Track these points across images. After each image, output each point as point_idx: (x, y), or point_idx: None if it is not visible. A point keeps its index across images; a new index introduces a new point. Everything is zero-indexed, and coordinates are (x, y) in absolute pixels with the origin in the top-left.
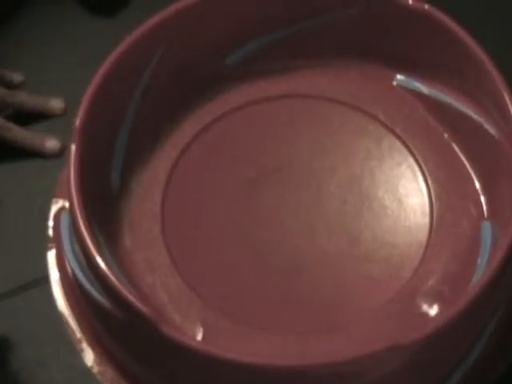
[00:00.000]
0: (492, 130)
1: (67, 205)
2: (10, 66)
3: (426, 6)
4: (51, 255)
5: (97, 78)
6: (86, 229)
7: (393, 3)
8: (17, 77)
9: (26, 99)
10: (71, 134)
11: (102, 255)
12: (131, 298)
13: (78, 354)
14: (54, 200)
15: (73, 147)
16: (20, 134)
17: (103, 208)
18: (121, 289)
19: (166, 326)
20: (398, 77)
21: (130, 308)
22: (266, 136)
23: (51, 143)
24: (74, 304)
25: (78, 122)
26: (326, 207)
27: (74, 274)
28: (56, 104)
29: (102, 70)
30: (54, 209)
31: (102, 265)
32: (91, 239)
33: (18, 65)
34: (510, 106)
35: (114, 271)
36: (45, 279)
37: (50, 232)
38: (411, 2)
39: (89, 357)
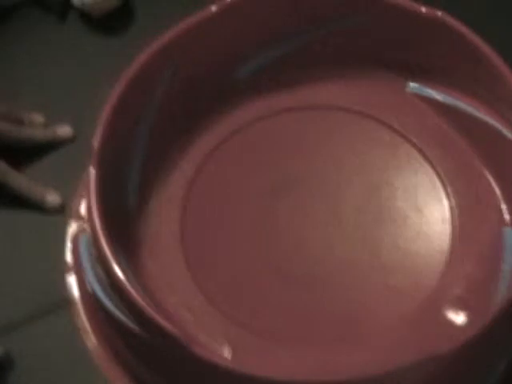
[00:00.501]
0: (509, 135)
1: (85, 226)
2: (12, 87)
3: (440, 13)
4: (70, 278)
5: (111, 101)
6: (112, 253)
7: (405, 11)
8: (37, 118)
9: (33, 133)
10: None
11: (128, 279)
12: (162, 321)
13: (100, 377)
14: (69, 221)
15: (92, 171)
16: (16, 181)
17: (123, 230)
18: (151, 313)
19: (198, 346)
20: (411, 84)
21: (160, 330)
22: (281, 148)
23: (51, 197)
24: (95, 327)
25: (95, 146)
26: (344, 218)
27: (95, 297)
28: (64, 133)
29: (116, 92)
30: (70, 231)
31: (132, 291)
32: (117, 264)
33: (20, 84)
34: None
35: (141, 295)
36: (65, 302)
37: (69, 255)
38: (424, 10)
39: (112, 380)
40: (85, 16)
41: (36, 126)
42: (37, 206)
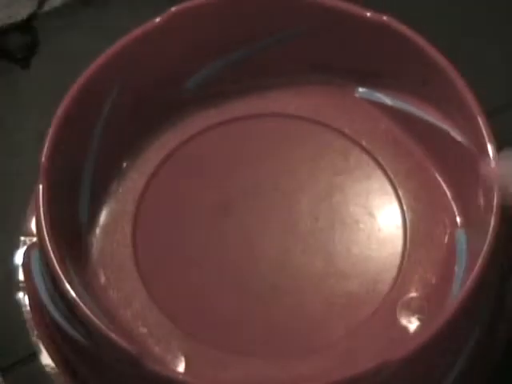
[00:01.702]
0: (459, 138)
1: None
2: None
3: (385, 18)
4: (22, 295)
5: (58, 116)
6: (61, 267)
7: (350, 16)
8: None
9: None
10: None
11: (77, 292)
12: (112, 334)
13: None
14: (21, 238)
15: (40, 187)
16: None
17: (74, 244)
18: (104, 329)
19: (150, 359)
20: (361, 89)
21: (110, 343)
22: (232, 158)
23: None
24: (51, 344)
25: (43, 160)
26: (298, 226)
27: (47, 312)
28: None
29: (63, 107)
30: (21, 248)
31: (80, 303)
32: (66, 277)
33: None
34: (475, 112)
35: (91, 308)
36: (19, 320)
37: (20, 272)
38: (369, 14)
39: None
40: None
41: None
42: None
